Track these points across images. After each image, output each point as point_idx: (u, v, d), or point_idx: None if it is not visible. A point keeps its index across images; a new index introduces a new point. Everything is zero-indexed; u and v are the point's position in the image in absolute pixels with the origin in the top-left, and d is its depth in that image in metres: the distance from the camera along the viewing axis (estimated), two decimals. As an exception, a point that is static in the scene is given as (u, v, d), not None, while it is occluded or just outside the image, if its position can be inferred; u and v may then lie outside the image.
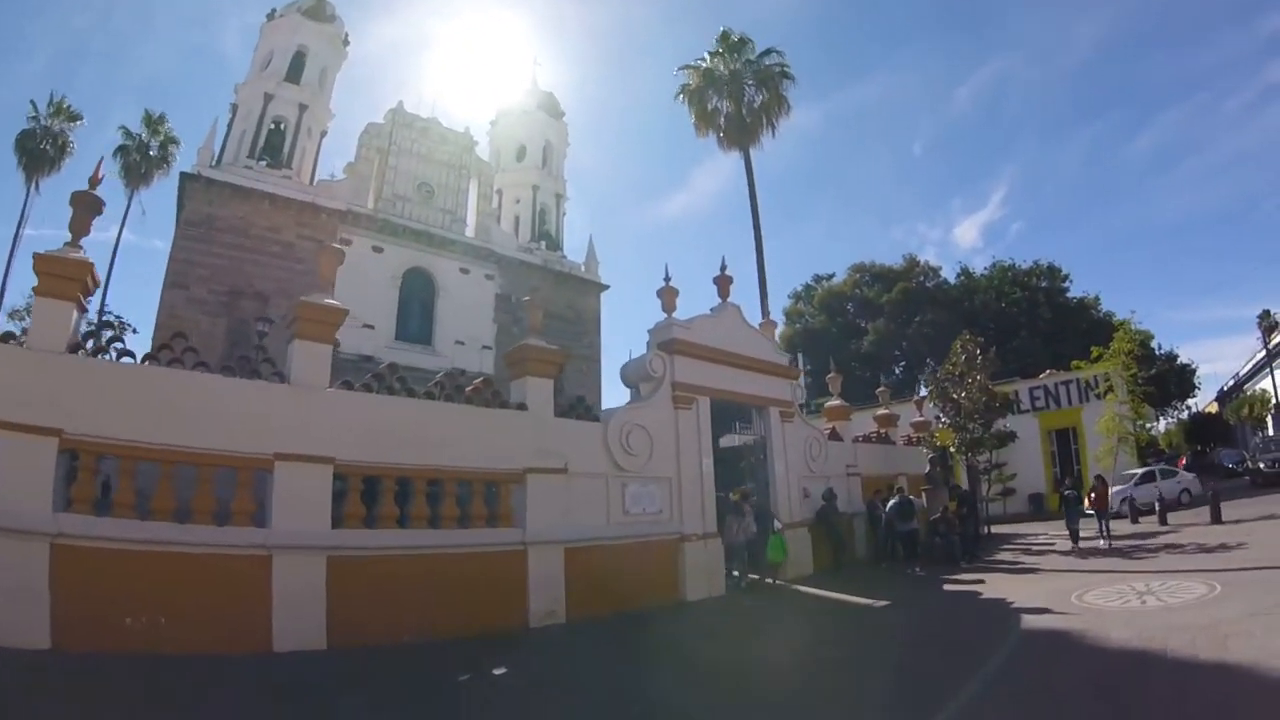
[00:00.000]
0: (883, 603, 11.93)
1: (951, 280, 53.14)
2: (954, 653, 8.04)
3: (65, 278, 7.78)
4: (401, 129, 29.63)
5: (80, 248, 8.08)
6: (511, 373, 11.62)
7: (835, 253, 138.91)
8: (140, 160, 36.79)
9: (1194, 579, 10.33)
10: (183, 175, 25.48)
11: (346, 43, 31.16)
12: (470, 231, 30.69)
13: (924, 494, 19.02)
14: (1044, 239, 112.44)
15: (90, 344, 7.98)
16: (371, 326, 25.75)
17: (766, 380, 15.59)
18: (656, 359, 13.12)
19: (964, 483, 22.36)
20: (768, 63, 27.85)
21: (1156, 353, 45.72)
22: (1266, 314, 45.03)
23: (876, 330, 50.12)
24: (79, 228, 8.16)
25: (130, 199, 36.64)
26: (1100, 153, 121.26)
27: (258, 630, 7.76)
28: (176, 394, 8.00)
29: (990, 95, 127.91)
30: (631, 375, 13.28)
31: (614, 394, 28.87)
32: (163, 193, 41.32)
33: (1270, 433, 42.82)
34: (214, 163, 25.40)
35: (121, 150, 36.81)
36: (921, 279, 52.99)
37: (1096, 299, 49.55)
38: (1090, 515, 18.32)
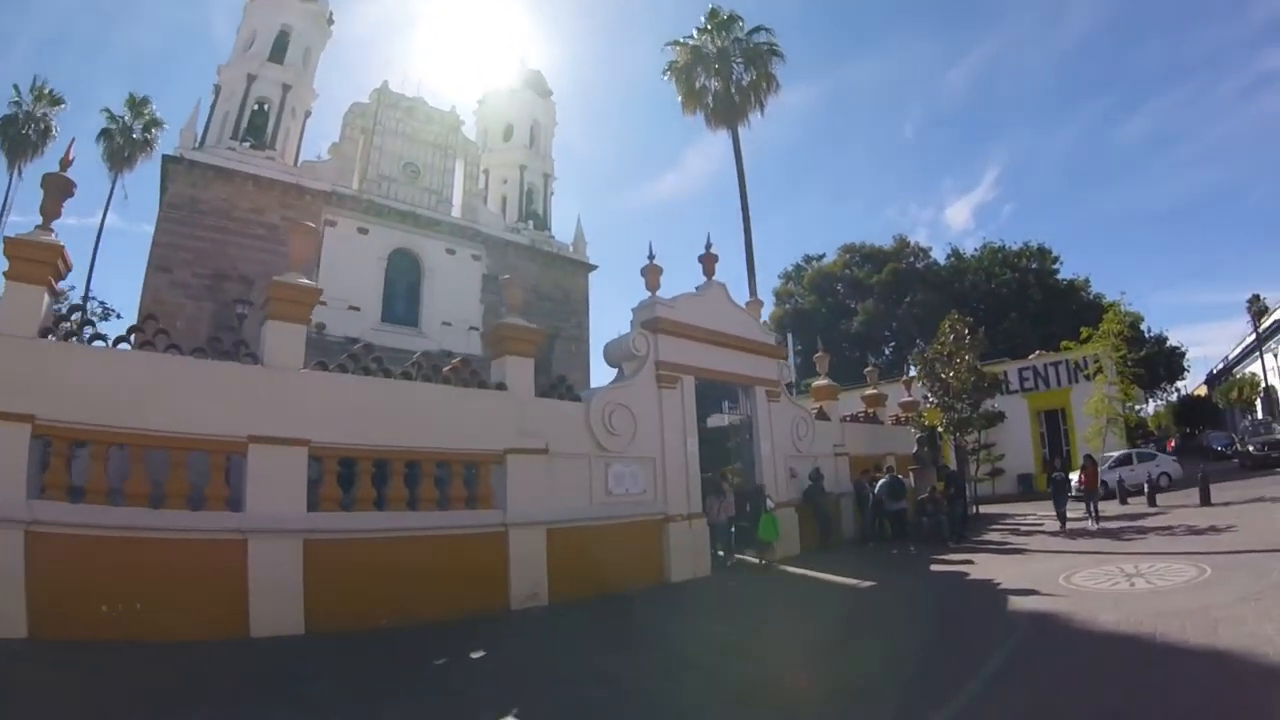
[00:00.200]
0: (869, 583, 11.94)
1: (942, 261, 53.44)
2: (939, 636, 7.99)
3: (36, 261, 7.62)
4: (387, 109, 29.32)
5: (51, 231, 7.93)
6: (491, 352, 11.48)
7: (826, 233, 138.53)
8: (124, 144, 36.19)
9: (1183, 561, 10.30)
10: (165, 158, 25.23)
11: (331, 22, 30.73)
12: (457, 212, 30.47)
13: (911, 474, 19.09)
14: (1036, 221, 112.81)
15: (62, 328, 7.84)
16: (357, 308, 25.64)
17: (752, 359, 15.48)
18: (640, 338, 12.99)
19: (952, 463, 22.46)
20: (757, 40, 27.52)
21: (1146, 335, 45.88)
22: (1256, 298, 45.34)
23: (866, 311, 50.18)
24: (50, 210, 8.02)
25: (114, 183, 36.19)
26: (1093, 136, 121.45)
27: (235, 616, 7.68)
28: (148, 377, 7.86)
29: (983, 78, 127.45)
30: (615, 354, 13.16)
31: (602, 374, 28.72)
32: (147, 176, 40.98)
33: (1259, 416, 43.17)
34: (197, 145, 25.11)
35: (105, 134, 36.22)
36: (912, 260, 53.12)
37: (1086, 281, 49.87)
38: (1078, 497, 18.41)
